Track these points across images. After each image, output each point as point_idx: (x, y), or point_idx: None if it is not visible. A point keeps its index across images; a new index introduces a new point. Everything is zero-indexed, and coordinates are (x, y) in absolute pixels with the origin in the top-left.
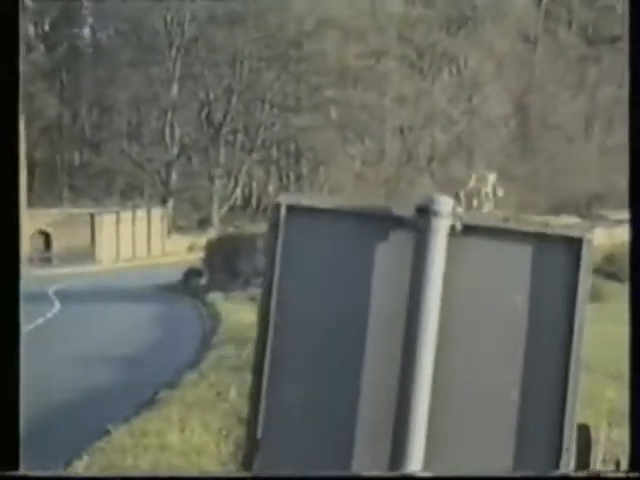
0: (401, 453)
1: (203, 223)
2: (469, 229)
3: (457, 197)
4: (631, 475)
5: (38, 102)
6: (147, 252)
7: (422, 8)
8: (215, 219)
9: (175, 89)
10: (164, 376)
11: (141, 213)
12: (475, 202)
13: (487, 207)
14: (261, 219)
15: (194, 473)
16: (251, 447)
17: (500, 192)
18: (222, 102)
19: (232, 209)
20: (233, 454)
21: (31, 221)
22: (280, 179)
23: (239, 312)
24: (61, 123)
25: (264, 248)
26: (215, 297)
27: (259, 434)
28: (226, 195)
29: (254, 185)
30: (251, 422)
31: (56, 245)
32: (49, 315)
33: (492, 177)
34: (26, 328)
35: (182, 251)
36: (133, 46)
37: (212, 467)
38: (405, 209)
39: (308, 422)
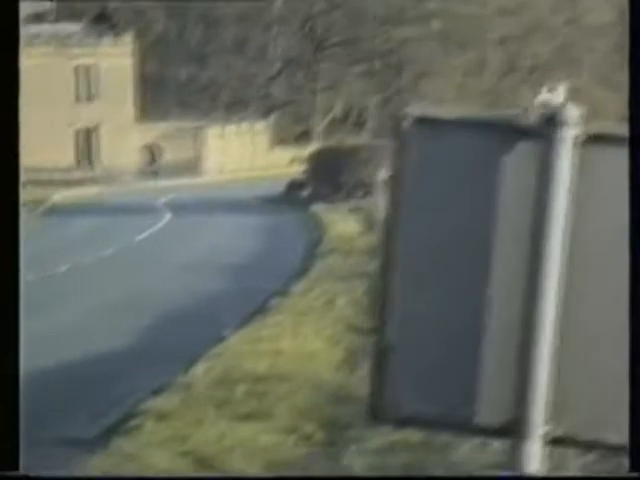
0: (527, 376)
1: (305, 136)
2: (594, 138)
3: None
4: (631, 475)
5: (146, 18)
6: (251, 164)
7: None
8: (317, 132)
9: (279, 3)
10: (273, 284)
11: (245, 126)
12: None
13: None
14: (362, 131)
15: (193, 474)
16: (383, 352)
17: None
18: (324, 16)
19: (333, 122)
20: (344, 360)
21: (140, 135)
22: (381, 91)
23: (342, 223)
24: (169, 38)
25: (391, 159)
26: (318, 208)
27: (392, 339)
28: (327, 108)
29: (355, 98)
30: (382, 328)
31: (164, 158)
32: (160, 225)
33: (562, 89)
34: (138, 237)
35: (285, 163)
36: None
37: (324, 372)
38: (531, 118)
39: (437, 330)
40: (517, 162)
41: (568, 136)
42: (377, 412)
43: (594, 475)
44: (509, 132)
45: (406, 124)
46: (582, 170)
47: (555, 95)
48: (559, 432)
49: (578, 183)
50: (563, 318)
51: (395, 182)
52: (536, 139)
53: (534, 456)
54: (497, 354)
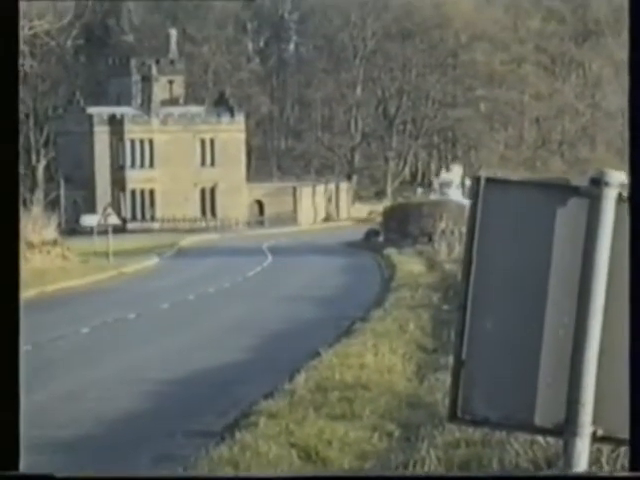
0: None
1: (379, 194)
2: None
3: (431, 186)
4: (631, 475)
5: (254, 101)
6: (336, 217)
7: (555, 24)
8: (389, 191)
9: (359, 90)
10: (356, 312)
11: (332, 186)
12: (446, 190)
13: (456, 195)
14: (425, 191)
15: (194, 474)
16: (457, 366)
17: (467, 182)
18: (395, 99)
19: (402, 183)
20: (415, 372)
21: (249, 192)
22: (440, 159)
23: (410, 263)
24: (272, 117)
25: (468, 212)
26: (390, 252)
27: (464, 356)
28: (397, 172)
29: (419, 164)
30: (457, 346)
31: (267, 211)
32: (264, 264)
33: (457, 169)
34: (248, 274)
35: (363, 216)
36: (326, 57)
37: (399, 382)
38: (577, 180)
39: (503, 349)
40: (569, 215)
41: (611, 194)
42: (454, 415)
43: (594, 475)
44: (563, 191)
45: (478, 185)
46: (620, 223)
47: (452, 174)
48: (601, 431)
49: (616, 233)
50: (604, 337)
51: (470, 230)
52: (585, 197)
53: (583, 452)
54: (552, 366)
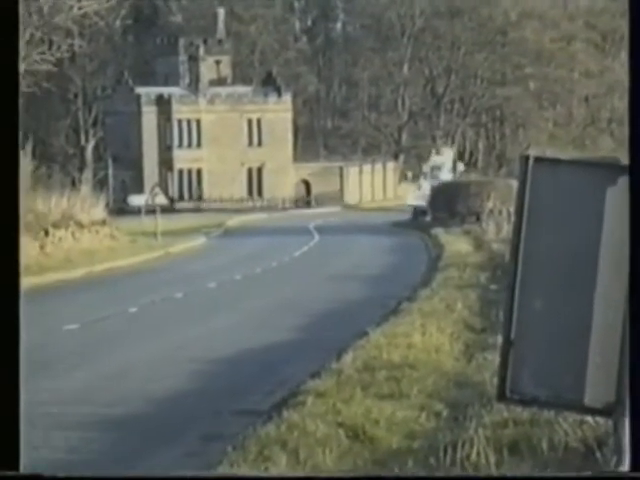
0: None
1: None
2: None
3: (421, 169)
4: (631, 475)
5: (301, 81)
6: (383, 196)
7: (605, 0)
8: None
9: (406, 69)
10: (403, 291)
11: (378, 166)
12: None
13: (446, 178)
14: (473, 170)
15: (196, 473)
16: (506, 345)
17: (461, 167)
18: (443, 78)
19: None
20: (462, 351)
21: (296, 172)
22: (487, 138)
23: (457, 243)
24: (319, 96)
25: (517, 191)
26: (438, 231)
27: (512, 336)
28: None
29: (467, 143)
30: (506, 326)
31: (314, 190)
32: (311, 244)
33: (448, 151)
34: (295, 253)
35: (411, 196)
36: (374, 36)
37: (447, 361)
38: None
39: (552, 329)
40: (619, 194)
41: None
42: (502, 395)
43: (594, 475)
44: (613, 170)
45: (527, 163)
46: None
47: (443, 157)
48: None
49: None
50: None
51: (518, 210)
52: None
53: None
54: (602, 346)
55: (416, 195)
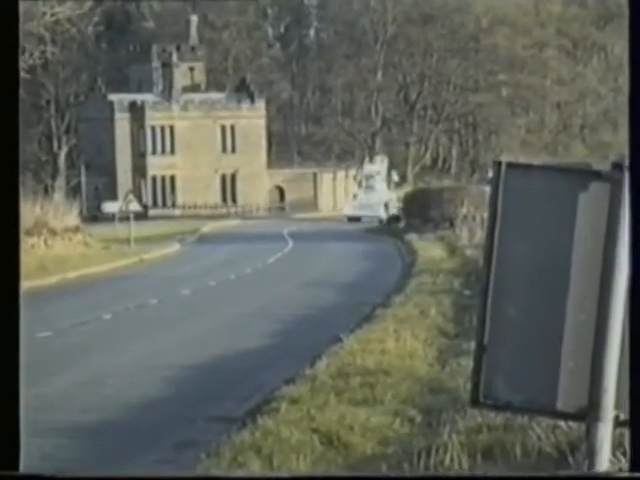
0: (598, 381)
1: (401, 180)
2: None
3: (355, 179)
4: (631, 475)
5: (275, 87)
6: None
7: (577, 8)
8: (410, 176)
9: (379, 75)
10: (377, 298)
11: (352, 172)
12: (373, 182)
13: (381, 188)
14: (446, 176)
15: (197, 473)
16: (480, 351)
17: (395, 177)
18: (416, 85)
19: (423, 168)
20: (436, 357)
21: (269, 179)
22: (460, 144)
23: (431, 249)
24: (292, 102)
25: (489, 200)
26: (411, 237)
27: (486, 341)
28: (418, 157)
29: (440, 149)
30: (479, 332)
31: (288, 197)
32: (285, 250)
33: (379, 159)
34: (269, 260)
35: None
36: (347, 42)
37: (421, 367)
38: (601, 165)
39: (525, 334)
40: (591, 200)
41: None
42: (476, 400)
43: (594, 475)
44: (585, 176)
45: (499, 169)
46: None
47: (376, 165)
48: (624, 416)
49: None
50: (625, 322)
51: (491, 215)
52: (607, 182)
53: (606, 437)
54: (574, 351)
55: (352, 205)
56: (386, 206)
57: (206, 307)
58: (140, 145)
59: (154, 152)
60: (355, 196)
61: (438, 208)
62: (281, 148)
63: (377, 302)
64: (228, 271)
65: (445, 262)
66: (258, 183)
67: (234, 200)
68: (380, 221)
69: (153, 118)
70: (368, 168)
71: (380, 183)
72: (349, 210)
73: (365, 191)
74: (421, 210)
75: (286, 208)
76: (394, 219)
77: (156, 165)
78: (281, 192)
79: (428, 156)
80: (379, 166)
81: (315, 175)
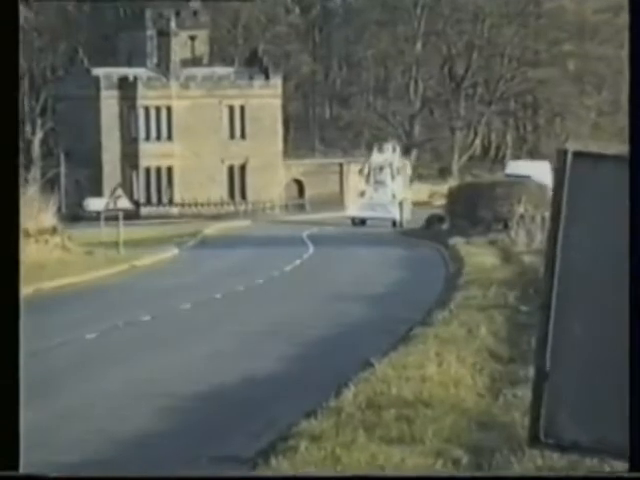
0: None
1: (443, 172)
2: None
3: (361, 172)
4: (631, 475)
5: (293, 60)
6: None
7: None
8: (455, 168)
9: (419, 46)
10: (415, 314)
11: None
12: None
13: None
14: (499, 168)
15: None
16: (540, 378)
17: (409, 169)
18: (463, 57)
19: (471, 159)
20: (487, 386)
21: (286, 171)
22: (517, 130)
23: (481, 255)
24: (314, 79)
25: (552, 197)
26: (457, 241)
27: (547, 366)
28: (466, 145)
29: (493, 136)
30: (539, 355)
31: (308, 192)
32: (305, 257)
33: (389, 146)
34: (285, 268)
35: (423, 198)
36: (380, 6)
37: (469, 398)
38: None
39: (595, 358)
40: None
41: None
42: (536, 438)
43: (594, 475)
44: None
45: (565, 158)
46: None
47: (386, 153)
48: None
49: None
50: None
51: (555, 215)
52: None
53: None
54: None
55: (358, 204)
56: (400, 206)
57: (210, 324)
58: (131, 129)
59: (148, 138)
60: (362, 193)
61: (489, 206)
62: (300, 134)
63: (415, 319)
64: (236, 281)
65: (498, 271)
66: (273, 176)
67: (243, 196)
68: (394, 223)
69: (147, 97)
70: (376, 158)
71: (392, 177)
72: (353, 210)
73: (374, 187)
74: (469, 209)
75: (306, 206)
76: (436, 220)
77: (150, 154)
78: (300, 186)
79: (478, 144)
80: (390, 156)
81: (341, 166)
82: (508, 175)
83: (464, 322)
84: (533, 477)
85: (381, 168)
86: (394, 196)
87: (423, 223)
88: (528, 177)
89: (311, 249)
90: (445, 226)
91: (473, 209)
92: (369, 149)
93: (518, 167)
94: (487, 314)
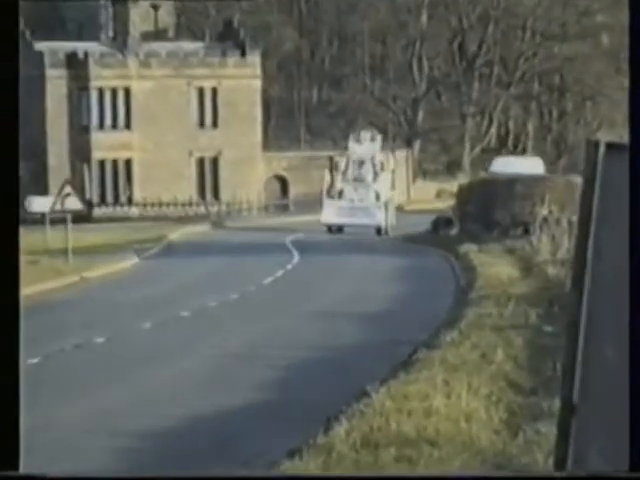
0: None
1: (452, 167)
2: None
3: (336, 167)
4: (631, 475)
5: (275, 34)
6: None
7: None
8: (466, 162)
9: (424, 18)
10: (419, 335)
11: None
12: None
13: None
14: None
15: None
16: (567, 412)
17: (391, 163)
18: (477, 31)
19: (485, 151)
20: (505, 421)
21: (267, 165)
22: (541, 117)
23: (497, 265)
24: (300, 57)
25: (581, 195)
26: (468, 249)
27: (575, 398)
28: (479, 135)
29: (511, 124)
30: (566, 384)
31: (293, 191)
32: (288, 267)
33: (376, 135)
34: (265, 280)
35: (429, 198)
36: None
37: (483, 435)
38: None
39: (627, 387)
40: None
41: None
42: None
43: (594, 475)
44: None
45: (596, 151)
46: None
47: (364, 144)
48: None
49: None
50: None
51: (584, 218)
52: None
53: None
54: None
55: (334, 207)
56: (385, 207)
57: (175, 347)
58: (82, 116)
59: (101, 126)
60: (340, 193)
61: (507, 207)
62: (284, 121)
63: (419, 341)
64: (207, 296)
65: (517, 285)
66: (250, 171)
67: (216, 195)
68: (378, 231)
69: (100, 77)
70: (354, 150)
71: (374, 174)
72: (329, 215)
73: (353, 186)
74: (483, 210)
75: (290, 206)
76: (444, 223)
77: (105, 145)
78: (283, 184)
79: (493, 133)
80: (369, 147)
81: (332, 160)
82: (492, 174)
83: (477, 344)
84: (533, 477)
85: (361, 162)
86: (378, 197)
87: (429, 227)
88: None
89: (296, 258)
90: (454, 230)
91: (488, 210)
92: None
93: (505, 164)
94: (504, 335)
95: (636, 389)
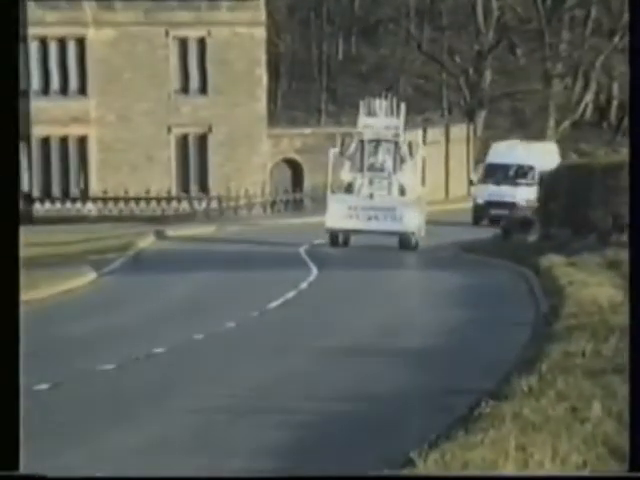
0: None
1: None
2: None
3: (341, 151)
4: (631, 475)
5: None
6: (444, 193)
7: None
8: (549, 139)
9: None
10: (483, 381)
11: (434, 133)
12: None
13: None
14: (623, 141)
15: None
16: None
17: (420, 141)
18: None
19: (577, 125)
20: None
21: (274, 146)
22: None
23: (592, 285)
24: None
25: None
26: (553, 261)
27: None
28: (569, 104)
29: (614, 89)
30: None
31: (308, 180)
32: (302, 286)
33: (386, 106)
34: (270, 304)
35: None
36: None
37: None
38: None
39: None
40: None
41: None
42: None
43: (594, 475)
44: None
45: None
46: None
47: (380, 117)
48: None
49: None
50: None
51: None
52: None
53: None
54: None
55: (343, 206)
56: (416, 207)
57: (147, 396)
58: (20, 77)
59: (45, 91)
60: (349, 186)
61: (607, 204)
62: (298, 85)
63: (483, 389)
64: (191, 326)
65: (621, 312)
66: (251, 154)
67: (204, 187)
68: (404, 242)
69: (43, 23)
70: (366, 125)
71: (395, 160)
72: (335, 218)
73: (368, 178)
74: (573, 208)
75: (305, 202)
76: (519, 225)
77: (50, 117)
78: (296, 171)
79: (589, 101)
80: (385, 121)
81: (343, 139)
82: (491, 165)
83: (564, 394)
84: (533, 477)
85: (376, 144)
86: (403, 192)
87: (497, 231)
88: (531, 167)
89: (313, 273)
90: (534, 236)
91: (580, 208)
92: (409, 110)
93: (509, 151)
94: (603, 382)
95: (636, 389)
